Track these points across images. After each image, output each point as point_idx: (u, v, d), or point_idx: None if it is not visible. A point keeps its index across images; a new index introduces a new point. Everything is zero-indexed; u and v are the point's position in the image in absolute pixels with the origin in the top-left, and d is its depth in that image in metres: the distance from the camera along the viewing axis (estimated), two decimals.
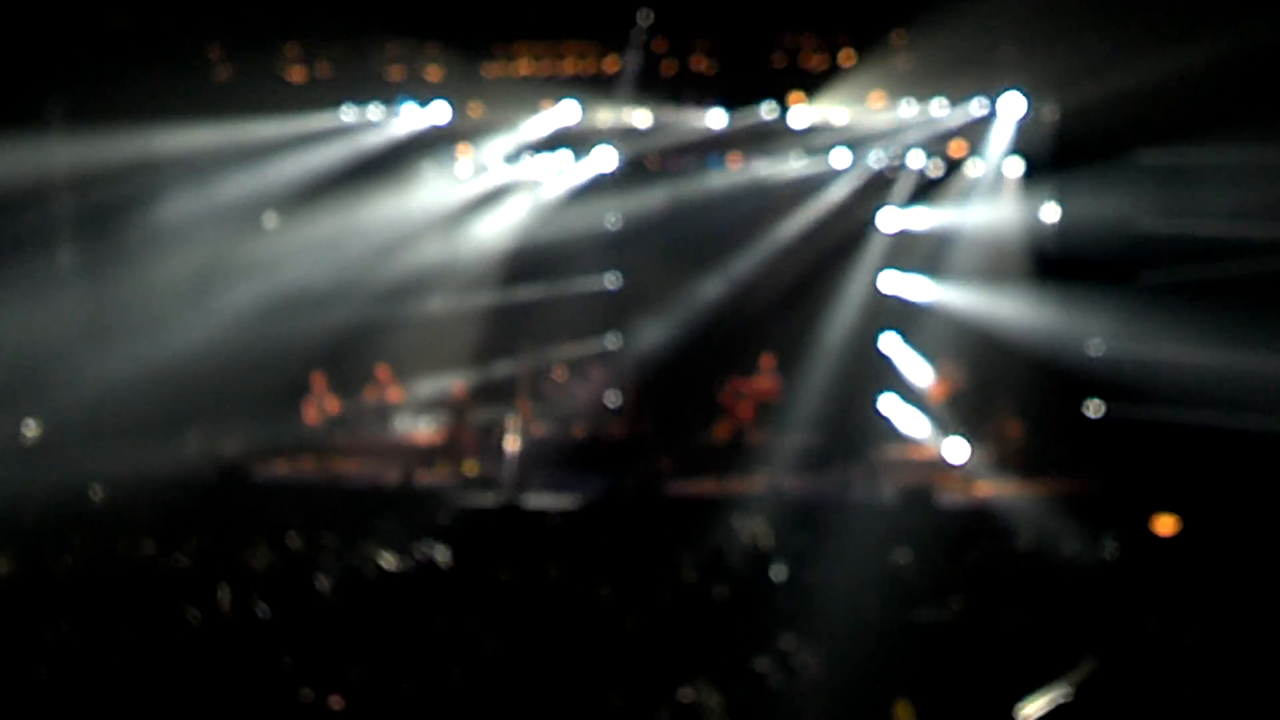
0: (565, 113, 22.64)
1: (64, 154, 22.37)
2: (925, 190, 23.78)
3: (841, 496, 20.24)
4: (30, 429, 22.90)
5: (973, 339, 22.01)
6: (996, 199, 22.49)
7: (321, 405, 24.14)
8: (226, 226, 23.59)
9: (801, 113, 21.80)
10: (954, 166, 23.45)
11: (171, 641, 12.87)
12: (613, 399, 24.80)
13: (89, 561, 15.67)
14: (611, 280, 25.88)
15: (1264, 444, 18.13)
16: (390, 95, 22.67)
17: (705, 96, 22.10)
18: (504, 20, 21.06)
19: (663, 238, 24.43)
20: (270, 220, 24.40)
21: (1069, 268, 20.25)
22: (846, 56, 20.19)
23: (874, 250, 23.64)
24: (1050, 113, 20.21)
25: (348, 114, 22.90)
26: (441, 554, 16.49)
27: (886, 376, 23.27)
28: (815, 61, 20.53)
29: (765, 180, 24.40)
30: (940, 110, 21.47)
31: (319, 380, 24.25)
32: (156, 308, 23.10)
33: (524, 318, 25.43)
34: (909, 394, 23.00)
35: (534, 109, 22.75)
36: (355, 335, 24.43)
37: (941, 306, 22.65)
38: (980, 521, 18.24)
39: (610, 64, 21.55)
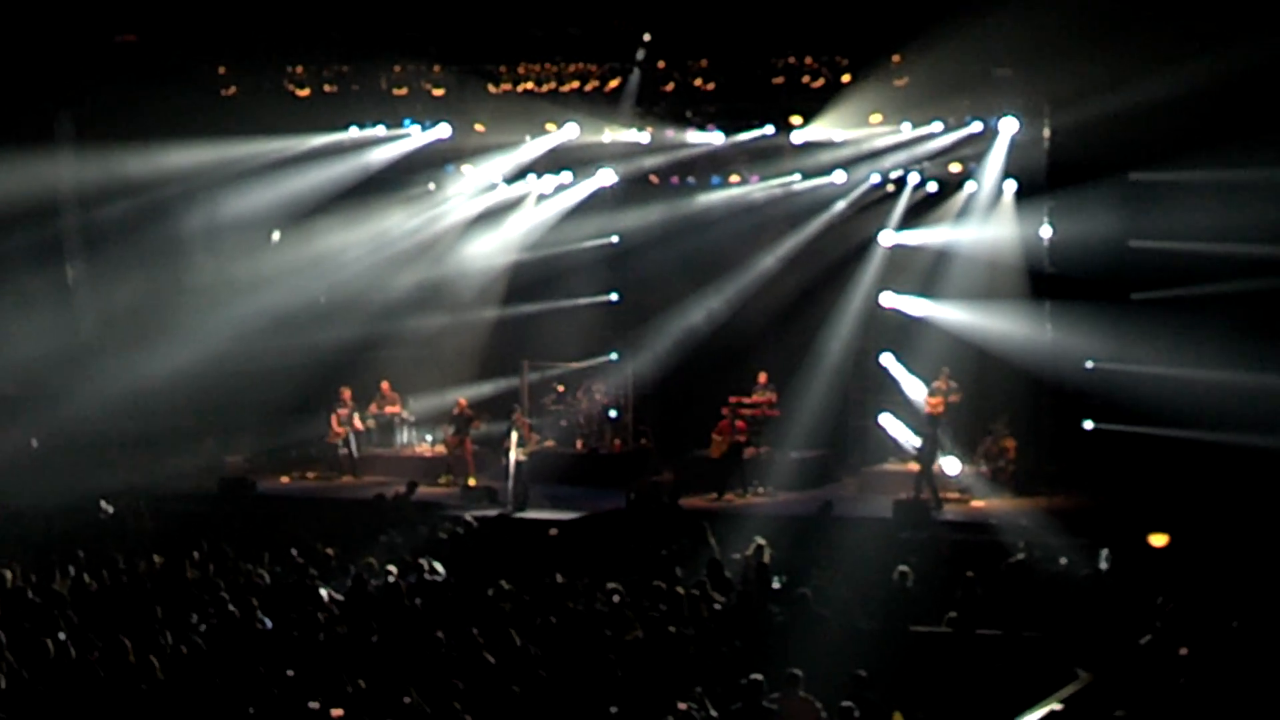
0: (566, 131, 22.83)
1: (73, 171, 22.58)
2: (922, 209, 23.95)
3: (838, 510, 20.41)
4: (36, 442, 23.10)
5: (968, 355, 22.17)
6: (991, 218, 22.65)
7: (350, 418, 24.21)
8: (232, 242, 23.81)
9: (800, 132, 21.95)
10: (950, 186, 23.62)
11: (178, 651, 13.07)
12: (613, 414, 24.98)
13: (95, 573, 15.85)
14: (611, 296, 26.06)
15: (1254, 460, 18.27)
16: (394, 114, 22.83)
17: (705, 116, 22.26)
18: (506, 40, 21.22)
19: (662, 254, 24.57)
20: (275, 236, 24.59)
21: (1062, 286, 20.43)
22: (845, 78, 20.32)
23: (871, 268, 23.81)
24: (1044, 134, 20.36)
25: (352, 133, 23.08)
26: (442, 567, 16.69)
27: (884, 392, 23.44)
28: (814, 82, 20.64)
29: (764, 198, 24.58)
30: (936, 130, 21.64)
31: (346, 394, 24.32)
32: (163, 322, 23.30)
33: (525, 333, 25.59)
34: (906, 410, 23.15)
35: (535, 128, 22.93)
36: (359, 350, 24.60)
37: (938, 323, 22.79)
38: (975, 535, 18.46)
39: (611, 84, 21.67)
